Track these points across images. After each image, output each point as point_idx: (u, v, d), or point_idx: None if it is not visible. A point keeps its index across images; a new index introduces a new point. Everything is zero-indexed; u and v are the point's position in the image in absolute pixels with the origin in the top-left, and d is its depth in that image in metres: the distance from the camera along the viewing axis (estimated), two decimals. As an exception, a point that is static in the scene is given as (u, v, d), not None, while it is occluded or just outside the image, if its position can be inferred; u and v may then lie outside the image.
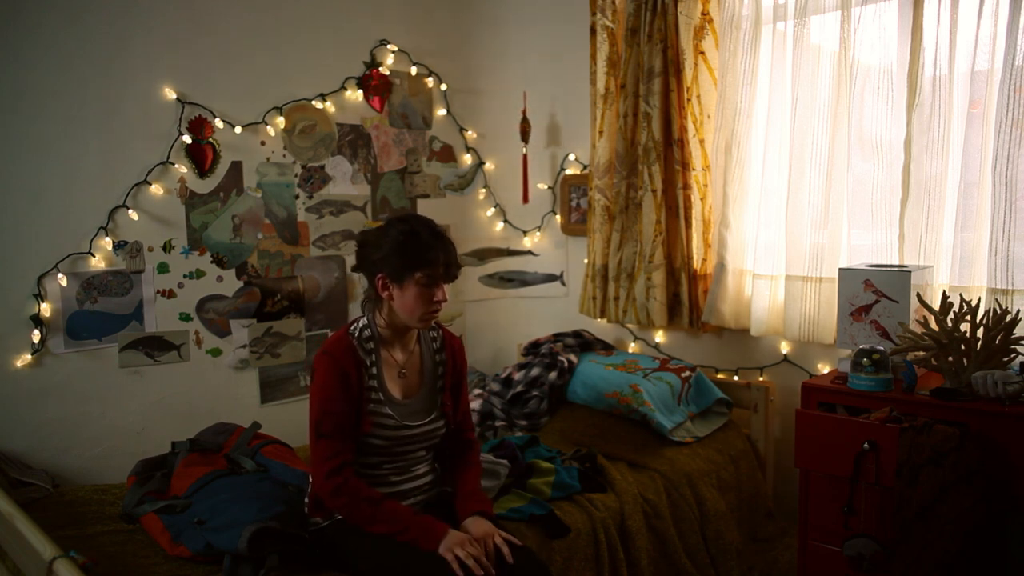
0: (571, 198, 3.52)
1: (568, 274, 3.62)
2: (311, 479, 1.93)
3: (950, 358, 2.13)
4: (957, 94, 2.39)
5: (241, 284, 3.17)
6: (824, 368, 2.78)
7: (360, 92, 3.48)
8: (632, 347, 3.36)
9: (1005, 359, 2.10)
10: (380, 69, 3.52)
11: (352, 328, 1.97)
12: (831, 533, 2.07)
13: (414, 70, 3.64)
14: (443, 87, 3.76)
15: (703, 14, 2.91)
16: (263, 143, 3.20)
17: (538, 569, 1.86)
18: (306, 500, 2.02)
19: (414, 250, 1.88)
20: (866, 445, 1.88)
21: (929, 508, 1.95)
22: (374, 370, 1.94)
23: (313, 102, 3.33)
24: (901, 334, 2.22)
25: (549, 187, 3.61)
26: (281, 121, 3.23)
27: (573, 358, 3.06)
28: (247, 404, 3.18)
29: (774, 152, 2.76)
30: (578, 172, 3.50)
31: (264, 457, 2.41)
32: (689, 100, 2.93)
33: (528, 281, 3.76)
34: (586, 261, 3.33)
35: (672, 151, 2.95)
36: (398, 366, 2.00)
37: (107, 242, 2.83)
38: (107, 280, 2.84)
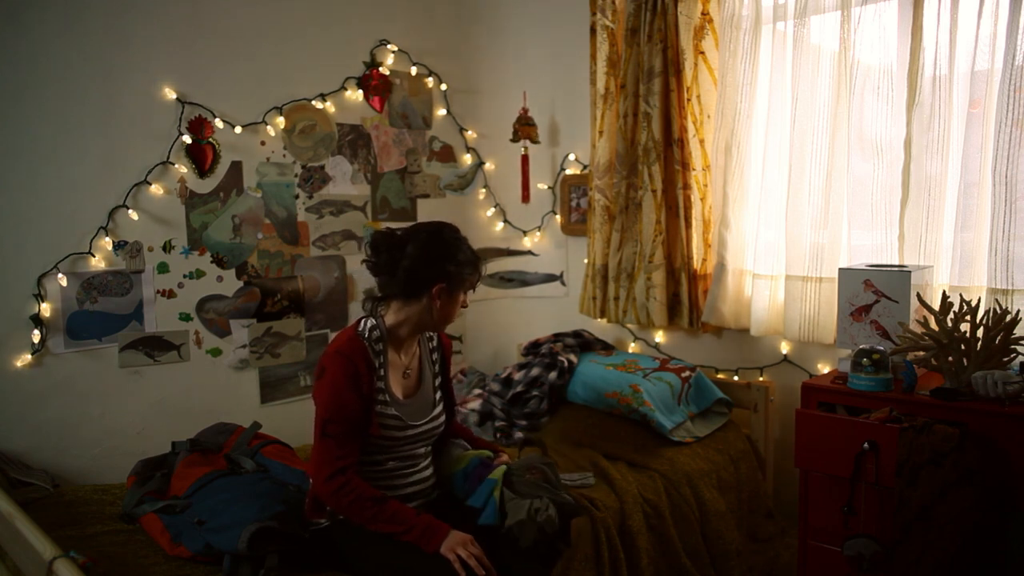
0: (571, 198, 3.52)
1: (568, 274, 3.62)
2: (311, 479, 1.93)
3: (950, 358, 2.13)
4: (957, 94, 2.38)
5: (241, 284, 3.16)
6: (824, 368, 2.78)
7: (360, 92, 3.48)
8: (632, 347, 3.36)
9: (1005, 359, 2.10)
10: (380, 69, 3.52)
11: (361, 329, 1.97)
12: (831, 533, 2.07)
13: (414, 70, 3.64)
14: (443, 87, 3.76)
15: (703, 14, 2.91)
16: (263, 143, 3.20)
17: (537, 569, 1.87)
18: (307, 500, 2.02)
19: (473, 261, 1.99)
20: (866, 445, 1.89)
21: (929, 508, 1.95)
22: (382, 372, 1.95)
23: (313, 102, 3.33)
24: (901, 334, 2.22)
25: (549, 187, 3.61)
26: (281, 121, 3.23)
27: (573, 358, 3.06)
28: (247, 404, 3.18)
29: (774, 152, 2.76)
30: (578, 172, 3.50)
31: (264, 457, 2.42)
32: (689, 100, 2.93)
33: (528, 281, 3.75)
34: (586, 261, 3.33)
35: (672, 151, 2.95)
36: (403, 367, 2.02)
37: (107, 242, 2.83)
38: (107, 280, 2.84)
